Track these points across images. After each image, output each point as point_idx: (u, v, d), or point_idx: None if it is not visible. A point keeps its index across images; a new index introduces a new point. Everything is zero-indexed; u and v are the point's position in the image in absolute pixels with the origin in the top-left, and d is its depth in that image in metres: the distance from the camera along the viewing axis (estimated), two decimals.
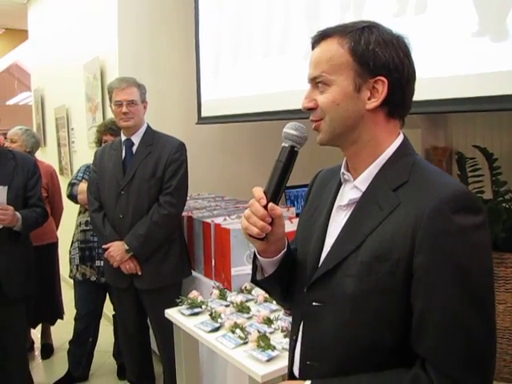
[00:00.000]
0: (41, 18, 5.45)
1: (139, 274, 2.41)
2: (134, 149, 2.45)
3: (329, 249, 1.00)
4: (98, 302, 2.96)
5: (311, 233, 1.06)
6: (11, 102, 11.03)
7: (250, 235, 0.99)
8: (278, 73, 2.67)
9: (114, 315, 3.06)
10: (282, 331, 1.73)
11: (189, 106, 3.51)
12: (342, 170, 1.02)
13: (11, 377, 2.52)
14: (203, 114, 3.31)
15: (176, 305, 2.40)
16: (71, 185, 2.87)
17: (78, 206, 2.95)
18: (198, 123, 3.39)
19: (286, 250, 1.06)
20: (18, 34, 7.06)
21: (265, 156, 4.05)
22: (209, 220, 2.47)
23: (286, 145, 1.00)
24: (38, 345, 3.50)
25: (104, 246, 2.42)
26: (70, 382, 2.98)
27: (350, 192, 0.99)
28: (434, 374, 0.84)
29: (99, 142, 2.89)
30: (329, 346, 0.96)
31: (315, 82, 0.97)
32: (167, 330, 2.37)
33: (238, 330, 1.74)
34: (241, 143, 3.92)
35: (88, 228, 2.84)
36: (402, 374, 0.87)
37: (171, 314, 2.02)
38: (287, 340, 1.67)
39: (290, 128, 1.00)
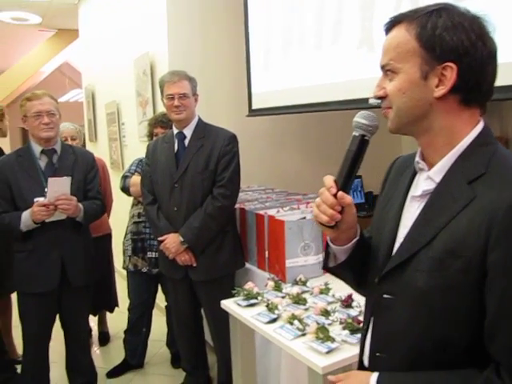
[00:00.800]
0: (91, 16, 5.60)
1: (194, 265, 2.45)
2: (187, 142, 2.48)
3: (401, 240, 0.98)
4: (150, 293, 3.03)
5: (385, 223, 1.05)
6: (62, 99, 11.43)
7: (321, 223, 1.00)
8: (330, 63, 2.64)
9: (166, 306, 3.13)
10: (341, 323, 1.72)
11: (239, 99, 3.52)
12: (417, 158, 1.00)
13: (77, 359, 2.66)
14: (254, 107, 3.30)
15: (231, 296, 2.44)
16: (124, 178, 2.95)
17: (131, 198, 3.03)
18: (248, 115, 3.40)
19: (358, 238, 1.06)
20: (69, 34, 7.29)
21: (314, 148, 4.05)
22: (262, 212, 2.48)
23: (357, 134, 1.00)
24: (94, 333, 3.62)
25: (159, 239, 2.46)
26: (127, 368, 3.09)
27: (424, 183, 0.97)
28: (509, 380, 0.80)
29: (150, 135, 2.95)
30: (398, 339, 0.95)
31: (385, 70, 0.95)
32: (221, 320, 2.41)
33: (295, 322, 1.74)
34: (290, 135, 3.91)
35: (140, 220, 2.91)
36: (473, 375, 0.85)
37: (227, 304, 2.04)
38: (346, 332, 1.66)
39: (361, 117, 1.00)
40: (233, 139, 2.49)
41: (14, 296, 2.77)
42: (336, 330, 1.68)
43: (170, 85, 2.41)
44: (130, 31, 4.29)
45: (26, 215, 2.29)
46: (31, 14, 6.48)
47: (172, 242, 2.41)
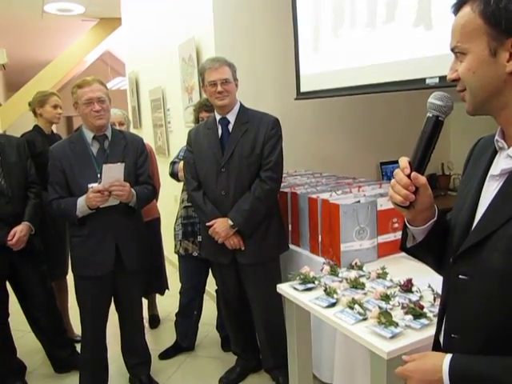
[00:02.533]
0: (134, 4, 5.64)
1: (242, 249, 2.46)
2: (230, 127, 2.48)
3: (478, 220, 0.96)
4: (201, 277, 3.07)
5: (463, 203, 1.03)
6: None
7: (396, 203, 1.02)
8: (384, 42, 2.55)
9: (216, 290, 3.16)
10: (403, 308, 1.68)
11: (286, 82, 3.48)
12: (497, 137, 0.98)
13: (132, 340, 2.73)
14: (302, 89, 3.25)
15: (277, 279, 2.45)
16: (172, 163, 2.98)
17: (180, 184, 3.05)
18: (296, 99, 3.35)
19: (435, 219, 1.06)
20: (111, 23, 7.38)
21: (361, 132, 3.97)
22: (314, 196, 2.45)
23: (431, 115, 1.00)
24: (145, 315, 3.70)
25: (208, 224, 2.46)
26: (179, 351, 3.15)
27: (504, 161, 0.95)
28: None
29: (196, 120, 2.96)
30: (473, 321, 0.94)
31: (454, 52, 0.95)
32: (268, 303, 2.43)
33: (356, 306, 1.71)
34: (336, 119, 3.84)
35: (190, 204, 2.92)
36: None
37: (283, 288, 2.03)
38: (410, 317, 1.62)
39: (435, 98, 1.00)
40: (277, 123, 2.49)
41: (69, 277, 2.85)
42: (398, 315, 1.64)
43: (212, 71, 2.41)
44: (174, 17, 4.29)
45: (81, 201, 2.34)
46: (75, 5, 6.59)
47: (221, 226, 2.42)
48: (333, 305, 1.80)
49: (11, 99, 8.14)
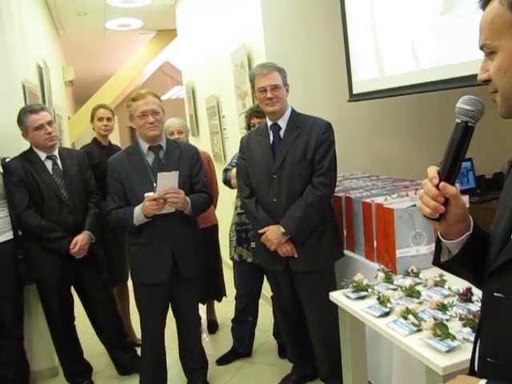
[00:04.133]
0: (188, 15, 5.78)
1: (295, 256, 2.43)
2: (282, 133, 2.46)
3: None
4: (256, 283, 3.07)
5: (503, 213, 0.94)
6: (164, 97, 12.03)
7: (425, 215, 0.95)
8: (440, 39, 2.44)
9: (272, 296, 3.15)
10: (461, 319, 1.59)
11: (338, 85, 3.42)
12: None
13: (189, 346, 2.78)
14: (355, 91, 3.18)
15: (332, 286, 2.39)
16: (225, 171, 3.01)
17: (234, 190, 3.07)
18: (349, 101, 3.29)
19: (471, 232, 0.98)
20: (168, 34, 7.61)
21: (421, 131, 3.82)
22: (369, 200, 2.38)
23: (459, 121, 0.92)
24: (203, 321, 3.75)
25: (260, 231, 2.46)
26: (236, 356, 3.17)
27: None
28: None
29: (248, 126, 2.97)
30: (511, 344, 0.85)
31: (484, 51, 0.87)
32: (323, 311, 2.38)
33: (410, 316, 1.64)
34: (392, 120, 3.72)
35: (243, 211, 2.89)
36: None
37: (336, 296, 1.99)
38: (468, 330, 1.53)
39: (463, 102, 0.92)
40: (329, 127, 2.45)
41: (130, 283, 2.94)
42: (455, 327, 1.55)
43: (261, 77, 2.40)
44: (225, 25, 4.35)
45: (137, 210, 2.41)
46: (134, 19, 6.87)
47: (273, 233, 2.40)
48: (386, 314, 1.74)
49: (78, 113, 8.59)
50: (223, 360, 3.15)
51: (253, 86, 2.48)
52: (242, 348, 3.17)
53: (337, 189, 2.62)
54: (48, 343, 3.02)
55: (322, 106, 3.32)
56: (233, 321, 3.18)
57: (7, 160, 2.80)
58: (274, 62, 2.51)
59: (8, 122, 2.80)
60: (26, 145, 2.85)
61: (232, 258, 3.07)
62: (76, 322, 2.99)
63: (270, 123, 2.49)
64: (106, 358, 3.15)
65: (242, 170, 2.59)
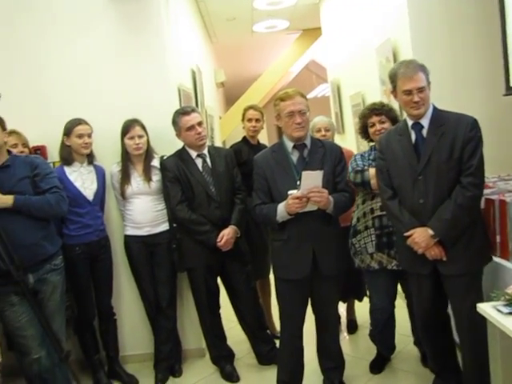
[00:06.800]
0: (332, 12, 5.77)
1: (444, 259, 2.29)
2: (425, 132, 2.33)
3: None
4: (394, 290, 2.88)
5: None
6: (310, 95, 12.14)
7: None
8: None
9: (407, 303, 3.00)
10: None
11: (490, 79, 3.14)
12: None
13: (326, 344, 2.79)
14: None
15: (480, 293, 2.21)
16: (357, 172, 2.73)
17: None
18: (505, 95, 2.98)
19: None
20: (313, 33, 7.67)
21: None
22: None
23: None
24: (343, 320, 3.74)
25: (406, 234, 2.34)
26: (385, 361, 3.07)
27: None
28: None
29: (364, 127, 2.85)
30: None
31: None
32: (472, 319, 2.18)
33: None
34: None
35: (383, 213, 2.71)
36: None
37: (484, 309, 1.83)
38: None
39: None
40: (475, 124, 2.26)
41: (271, 276, 3.05)
42: None
43: (406, 80, 2.28)
44: (369, 20, 4.25)
45: (281, 207, 2.48)
46: (280, 20, 7.06)
47: (421, 236, 2.28)
48: None
49: (228, 112, 9.13)
50: (374, 368, 3.02)
51: (394, 87, 2.37)
52: (384, 352, 3.05)
53: (489, 190, 2.40)
54: (196, 326, 3.29)
55: (469, 102, 3.06)
56: (372, 331, 3.00)
57: (164, 158, 3.11)
58: (416, 60, 2.37)
59: (165, 124, 3.08)
60: (179, 144, 3.13)
61: (366, 267, 2.80)
62: (221, 311, 3.21)
63: (410, 122, 2.38)
64: (247, 346, 3.31)
65: (381, 170, 2.49)
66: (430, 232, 2.26)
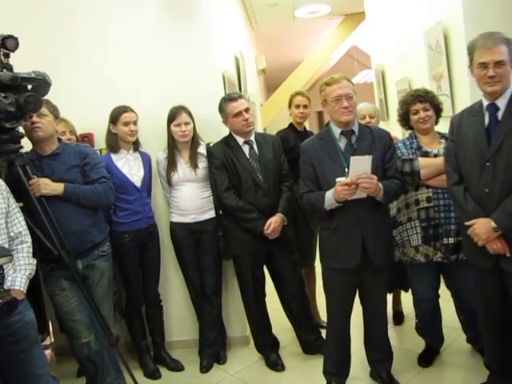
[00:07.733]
0: None
1: (507, 255, 2.16)
2: (500, 114, 2.17)
3: None
4: (438, 281, 2.81)
5: None
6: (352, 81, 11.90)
7: None
8: None
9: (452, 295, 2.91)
10: None
11: None
12: None
13: (374, 335, 2.74)
14: None
15: None
16: (405, 161, 2.64)
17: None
18: None
19: None
20: (356, 18, 7.50)
21: None
22: None
23: None
24: (389, 310, 3.64)
25: (467, 223, 2.24)
26: (434, 354, 2.99)
27: None
28: None
29: (404, 114, 2.75)
30: None
31: None
32: None
33: None
34: None
35: (431, 204, 2.63)
36: None
37: None
38: None
39: None
40: None
41: (317, 265, 3.00)
42: None
43: (484, 51, 2.11)
44: (417, 2, 4.08)
45: (328, 194, 2.42)
46: (322, 5, 6.92)
47: (482, 227, 2.17)
48: None
49: (269, 99, 9.07)
50: (423, 360, 2.93)
51: (471, 60, 2.21)
52: (435, 344, 2.97)
53: None
54: (241, 314, 3.30)
55: None
56: (419, 323, 2.96)
57: (211, 145, 3.10)
58: (501, 32, 2.16)
59: (212, 110, 3.06)
60: (225, 131, 3.11)
61: (410, 260, 2.72)
62: (267, 299, 3.19)
63: (486, 103, 2.22)
64: (292, 335, 3.29)
65: (450, 153, 2.37)
66: (493, 224, 2.13)
